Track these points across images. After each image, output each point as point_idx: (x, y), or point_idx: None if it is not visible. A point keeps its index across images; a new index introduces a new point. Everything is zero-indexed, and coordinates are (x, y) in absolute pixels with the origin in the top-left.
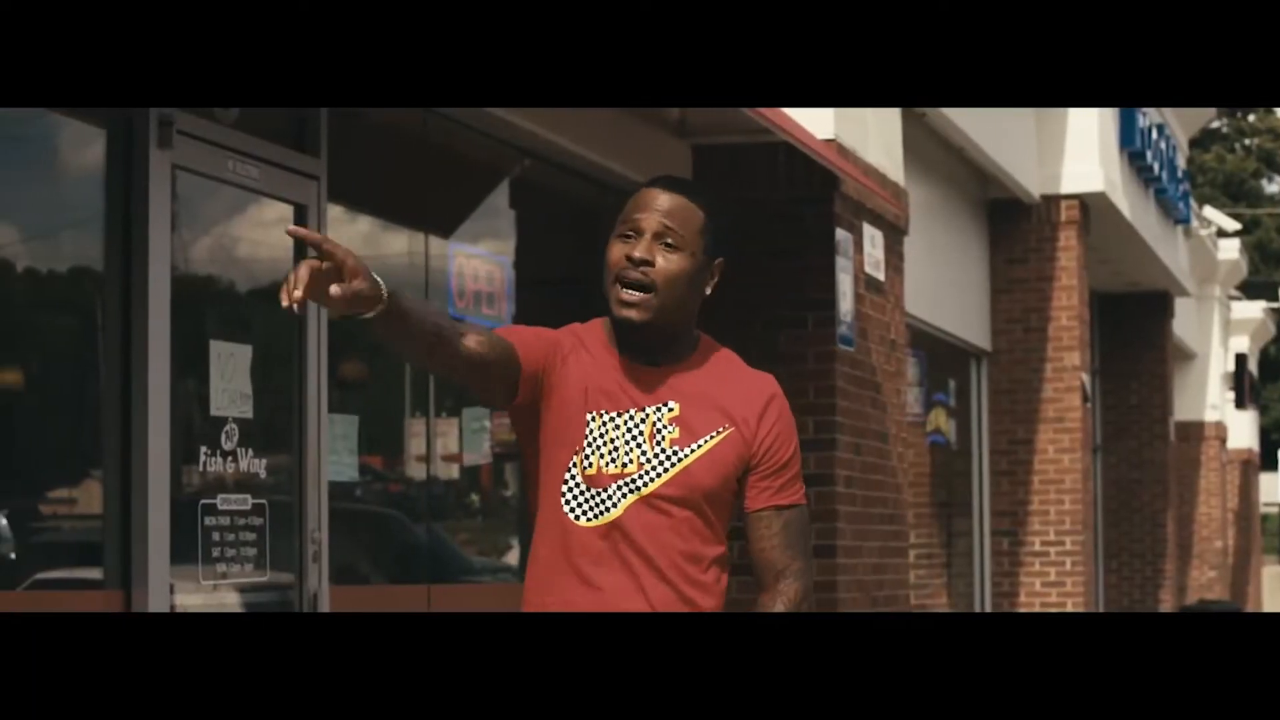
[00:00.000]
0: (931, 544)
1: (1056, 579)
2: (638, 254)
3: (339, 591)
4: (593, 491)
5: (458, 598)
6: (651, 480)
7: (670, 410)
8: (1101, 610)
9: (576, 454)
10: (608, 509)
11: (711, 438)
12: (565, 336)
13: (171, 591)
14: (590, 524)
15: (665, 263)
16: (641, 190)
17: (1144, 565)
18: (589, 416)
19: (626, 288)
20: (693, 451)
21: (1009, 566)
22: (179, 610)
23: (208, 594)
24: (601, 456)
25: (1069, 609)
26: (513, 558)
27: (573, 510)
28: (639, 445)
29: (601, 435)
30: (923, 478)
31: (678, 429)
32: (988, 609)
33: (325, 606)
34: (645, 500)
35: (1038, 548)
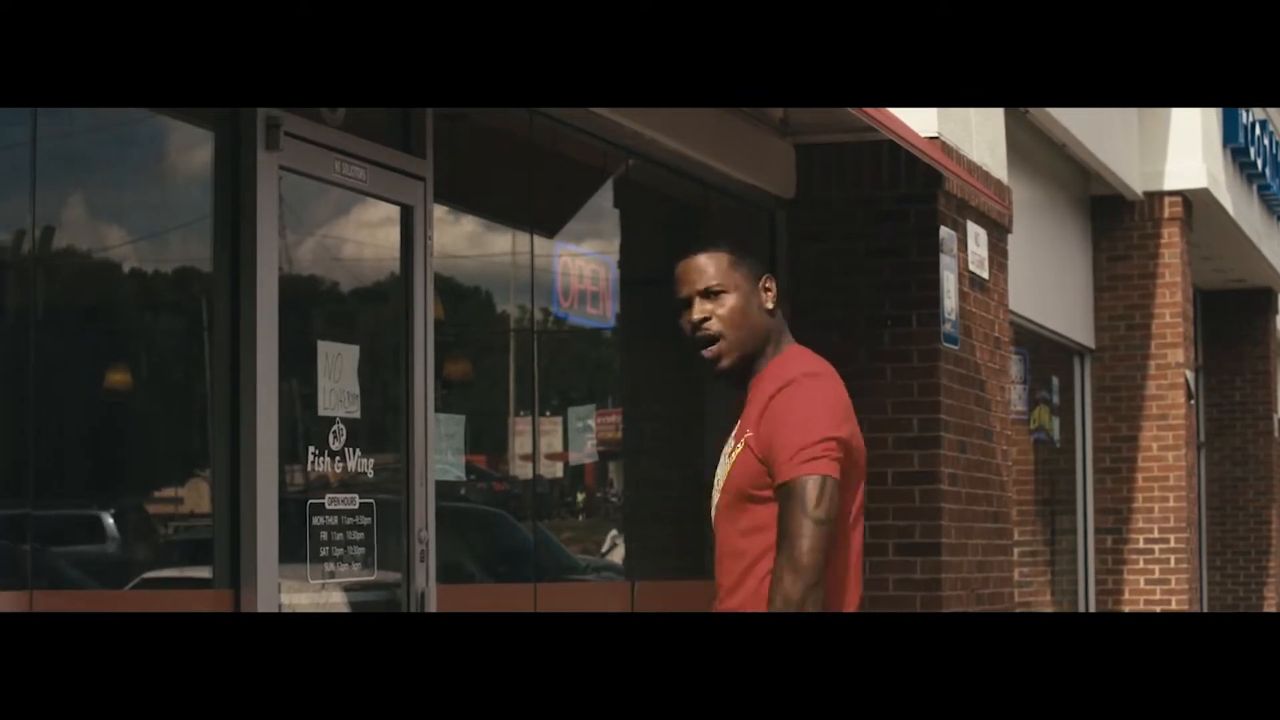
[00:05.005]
0: (1035, 542)
1: (1160, 577)
2: (694, 318)
3: (446, 590)
4: None
5: (563, 596)
6: (718, 494)
7: (737, 427)
8: (1205, 609)
9: None
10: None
11: (741, 444)
12: None
13: (279, 591)
14: None
15: (718, 309)
16: (676, 269)
17: (1248, 563)
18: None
19: (702, 348)
20: (731, 460)
21: (1113, 564)
22: (287, 609)
23: (316, 593)
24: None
25: (1173, 607)
26: (617, 556)
27: None
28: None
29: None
30: (1026, 475)
31: (735, 441)
32: (1092, 607)
33: (432, 605)
34: (718, 513)
35: (1141, 545)
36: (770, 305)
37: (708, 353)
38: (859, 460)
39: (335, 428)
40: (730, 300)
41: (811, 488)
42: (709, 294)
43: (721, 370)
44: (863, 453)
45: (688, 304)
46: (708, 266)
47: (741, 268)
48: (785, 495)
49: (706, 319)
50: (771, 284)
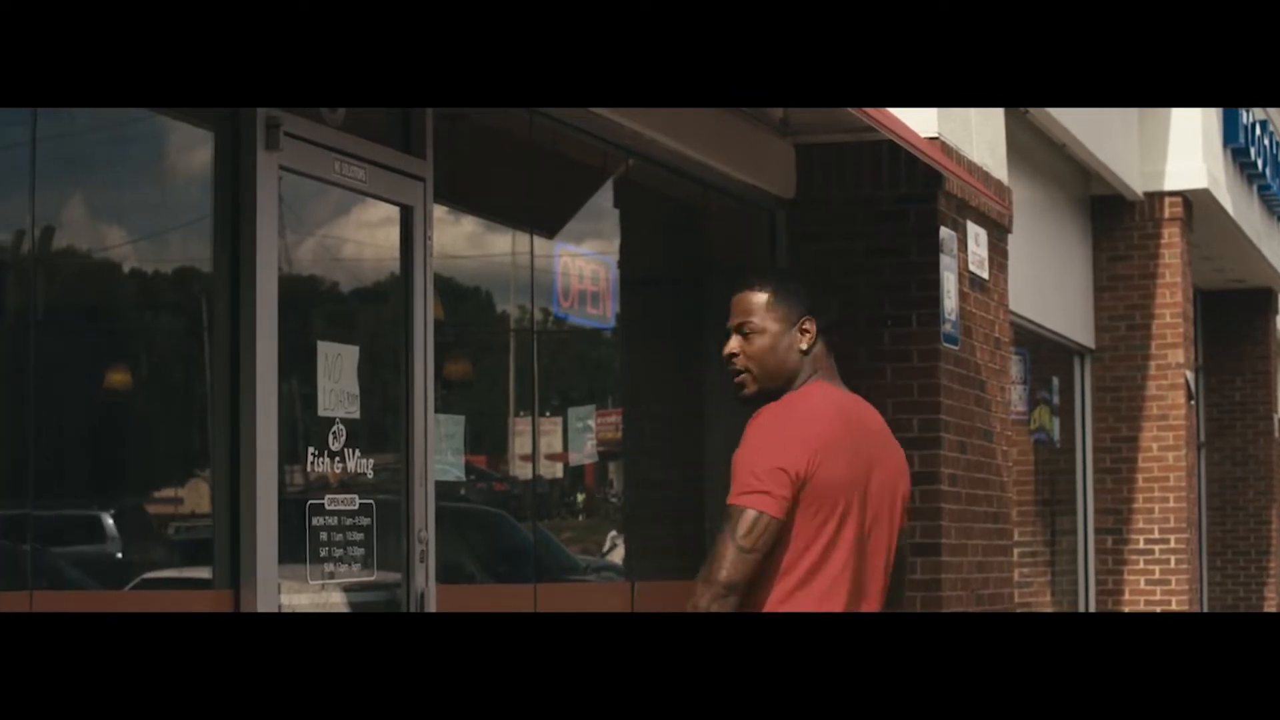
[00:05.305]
0: (1035, 542)
1: (1161, 577)
2: (725, 352)
3: (446, 590)
4: None
5: (563, 596)
6: None
7: None
8: (1205, 609)
9: None
10: None
11: None
12: None
13: (279, 591)
14: None
15: (748, 347)
16: (731, 297)
17: (1248, 563)
18: None
19: (733, 376)
20: None
21: (1113, 565)
22: (287, 610)
23: (315, 594)
24: None
25: (1173, 607)
26: (616, 556)
27: None
28: None
29: None
30: (1026, 476)
31: None
32: (1092, 608)
33: (432, 606)
34: None
35: (1142, 546)
36: (804, 346)
37: (737, 381)
38: (830, 492)
39: (335, 428)
40: (760, 341)
41: (746, 518)
42: (743, 330)
43: (742, 397)
44: (842, 484)
45: (729, 334)
46: (750, 304)
47: (780, 308)
48: (725, 516)
49: (735, 354)
50: (810, 325)
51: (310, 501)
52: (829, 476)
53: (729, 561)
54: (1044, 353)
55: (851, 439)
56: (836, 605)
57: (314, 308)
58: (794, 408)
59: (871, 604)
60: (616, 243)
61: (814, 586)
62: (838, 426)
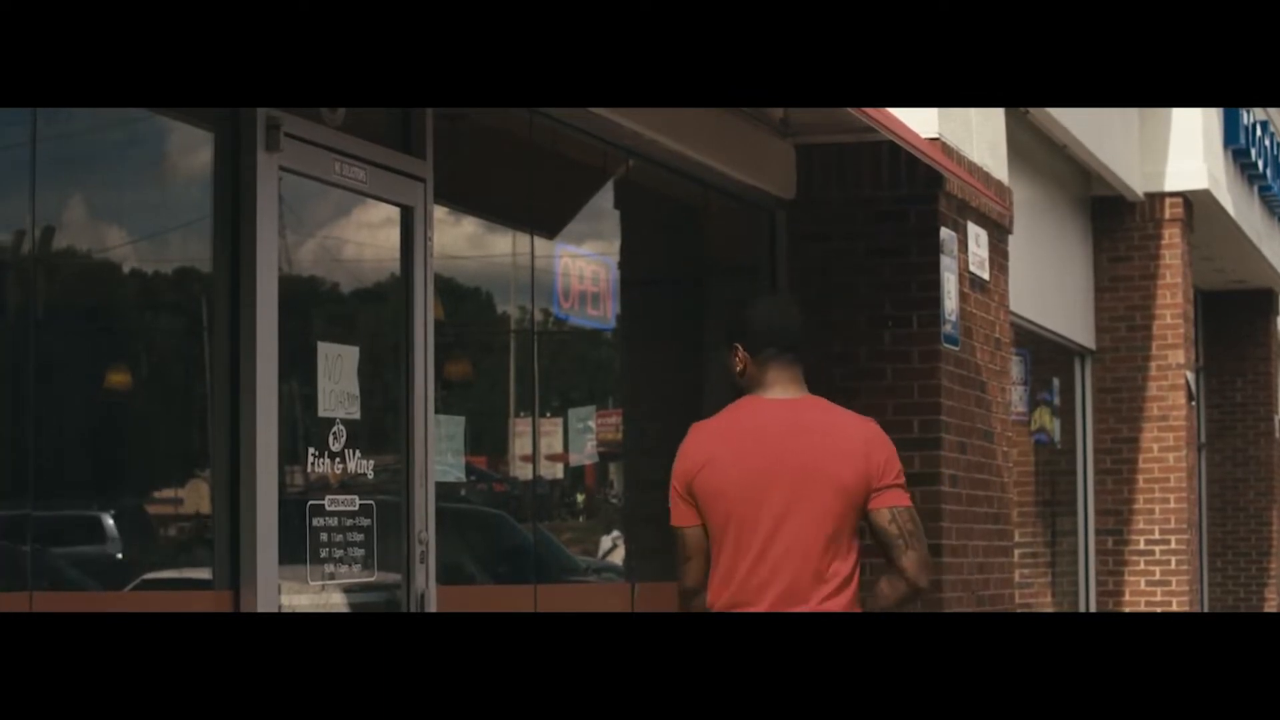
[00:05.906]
0: (1036, 543)
1: (1161, 578)
2: None
3: (446, 591)
4: None
5: (563, 597)
6: None
7: None
8: (1206, 610)
9: None
10: None
11: None
12: None
13: (279, 592)
14: None
15: None
16: None
17: (1249, 564)
18: None
19: None
20: None
21: (1113, 565)
22: (287, 610)
23: (315, 594)
24: None
25: (1174, 608)
26: (617, 557)
27: None
28: None
29: None
30: (1027, 476)
31: None
32: (1092, 608)
33: (432, 606)
34: None
35: (1142, 547)
36: (739, 369)
37: None
38: (715, 496)
39: (335, 429)
40: None
41: (675, 533)
42: None
43: None
44: (726, 486)
45: None
46: None
47: (724, 341)
48: None
49: None
50: (737, 349)
51: (310, 502)
52: (711, 482)
53: (680, 570)
54: (1044, 353)
55: (739, 444)
56: (729, 594)
57: (314, 308)
58: (696, 427)
59: (800, 590)
60: (617, 243)
61: (715, 578)
62: (717, 437)
